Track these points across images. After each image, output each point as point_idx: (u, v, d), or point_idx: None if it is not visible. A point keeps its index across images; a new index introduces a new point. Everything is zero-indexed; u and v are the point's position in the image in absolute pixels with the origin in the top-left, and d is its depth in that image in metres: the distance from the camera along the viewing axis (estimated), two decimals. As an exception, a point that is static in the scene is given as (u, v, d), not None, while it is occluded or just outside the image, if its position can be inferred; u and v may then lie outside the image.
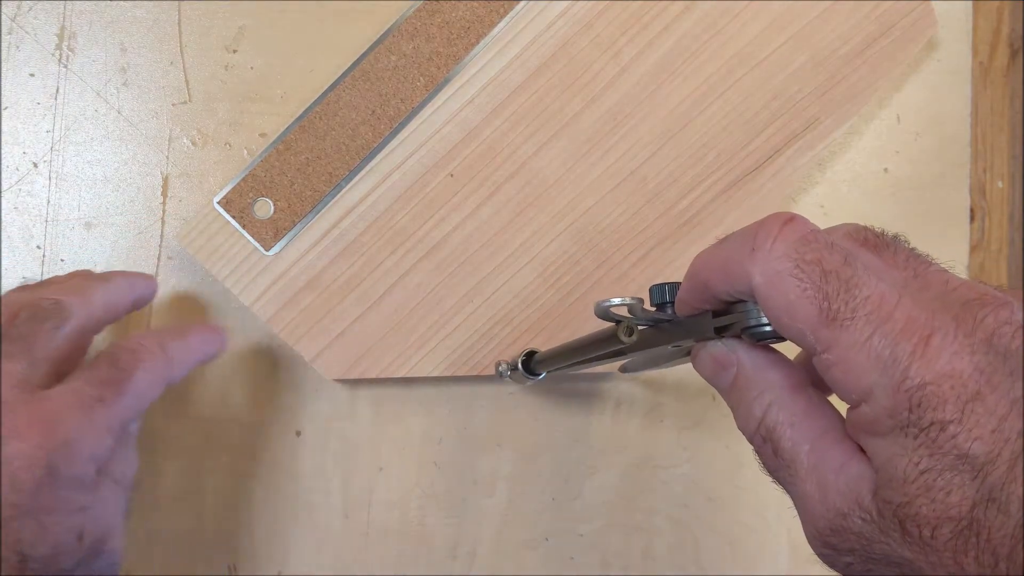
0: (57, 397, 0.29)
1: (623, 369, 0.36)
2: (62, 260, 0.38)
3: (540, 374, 0.35)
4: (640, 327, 0.26)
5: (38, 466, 0.28)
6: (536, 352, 0.35)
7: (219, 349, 0.35)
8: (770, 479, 0.23)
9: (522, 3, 0.39)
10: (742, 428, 0.24)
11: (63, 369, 0.31)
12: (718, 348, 0.24)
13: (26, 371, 0.30)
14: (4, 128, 0.38)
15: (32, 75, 0.38)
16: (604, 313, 0.25)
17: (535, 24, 0.39)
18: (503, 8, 0.38)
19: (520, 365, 0.35)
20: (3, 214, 0.38)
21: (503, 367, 0.36)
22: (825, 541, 0.21)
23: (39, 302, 0.31)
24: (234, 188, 0.37)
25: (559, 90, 0.38)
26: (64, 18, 0.38)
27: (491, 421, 0.39)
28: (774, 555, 0.40)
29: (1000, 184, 0.42)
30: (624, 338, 0.25)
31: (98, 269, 0.38)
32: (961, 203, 0.42)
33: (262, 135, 0.39)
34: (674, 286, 0.25)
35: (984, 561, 0.18)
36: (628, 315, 0.25)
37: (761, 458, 0.23)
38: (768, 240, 0.21)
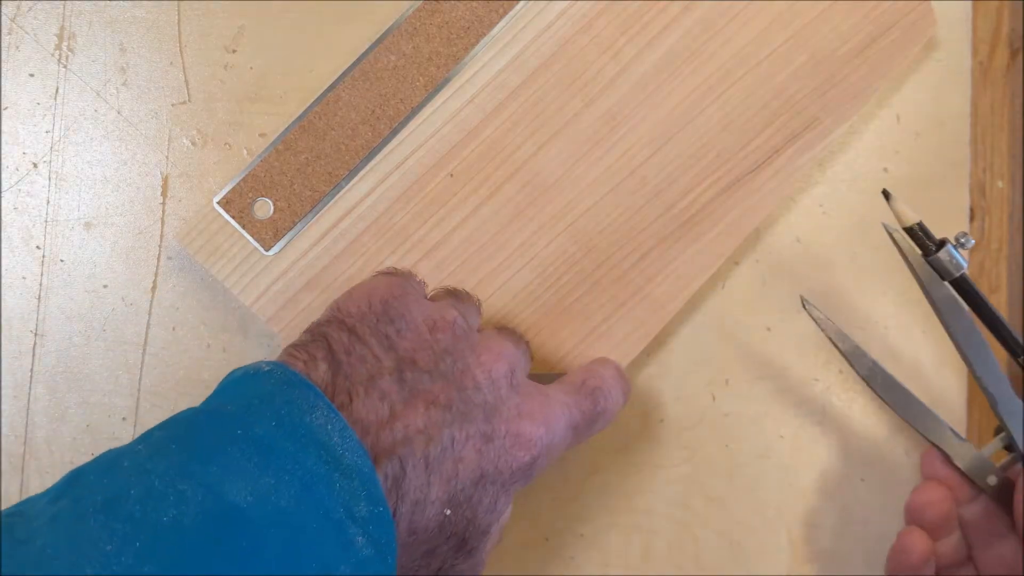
0: (555, 399, 0.31)
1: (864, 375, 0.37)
2: (62, 260, 0.38)
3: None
4: None
5: (533, 453, 0.29)
6: None
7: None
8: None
9: (522, 3, 0.39)
10: None
11: None
12: None
13: (525, 367, 0.32)
14: (4, 128, 0.38)
15: (32, 75, 0.38)
16: None
17: (535, 24, 0.39)
18: (503, 8, 0.38)
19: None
20: (3, 214, 0.38)
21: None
22: None
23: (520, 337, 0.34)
24: (234, 188, 0.37)
25: (559, 90, 0.38)
26: (64, 18, 0.38)
27: (491, 421, 0.39)
28: (774, 555, 0.40)
29: (1000, 184, 0.42)
30: None
31: (98, 270, 0.38)
32: (961, 203, 0.42)
33: (262, 135, 0.39)
34: None
35: None
36: None
37: None
38: None
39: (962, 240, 0.34)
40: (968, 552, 0.37)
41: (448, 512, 0.27)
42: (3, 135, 0.38)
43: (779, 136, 0.39)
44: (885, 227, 0.35)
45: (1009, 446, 0.36)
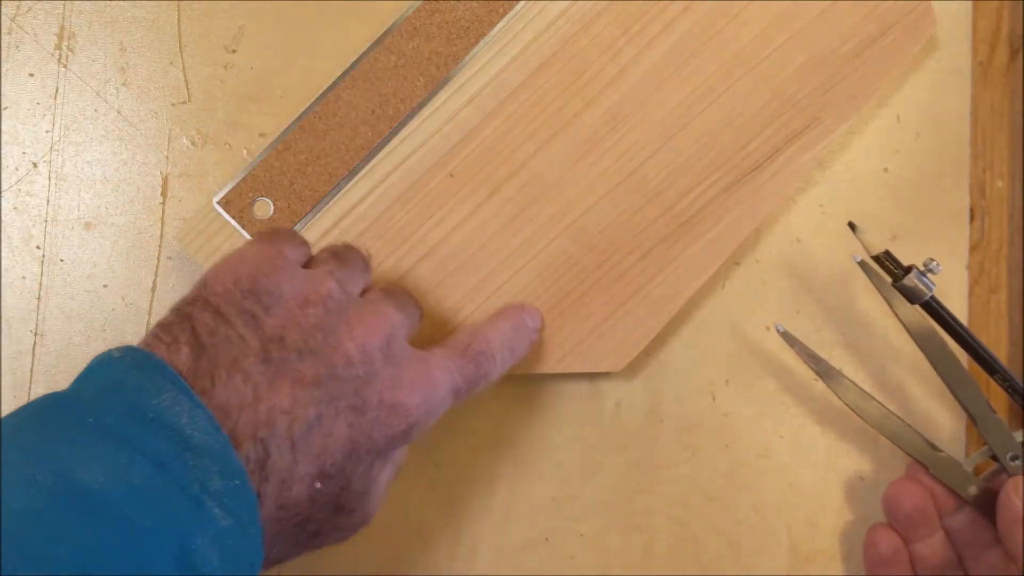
0: (436, 364, 0.31)
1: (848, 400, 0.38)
2: (62, 260, 0.38)
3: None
4: None
5: (409, 421, 0.29)
6: None
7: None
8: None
9: (522, 3, 0.39)
10: None
11: None
12: None
13: (409, 330, 0.32)
14: (4, 128, 0.38)
15: (32, 75, 0.38)
16: None
17: (535, 24, 0.39)
18: (503, 8, 0.38)
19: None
20: (3, 214, 0.38)
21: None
22: None
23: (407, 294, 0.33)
24: (234, 188, 0.37)
25: (559, 90, 0.38)
26: (64, 18, 0.38)
27: (491, 421, 0.39)
28: (774, 555, 0.40)
29: (1000, 184, 0.42)
30: None
31: (98, 270, 0.38)
32: (961, 203, 0.42)
33: (262, 135, 0.39)
34: None
35: None
36: None
37: None
38: None
39: (930, 266, 0.35)
40: (958, 561, 0.37)
41: (319, 485, 0.27)
42: (3, 135, 0.38)
43: (779, 136, 0.39)
44: (855, 258, 0.37)
45: (996, 455, 0.37)
